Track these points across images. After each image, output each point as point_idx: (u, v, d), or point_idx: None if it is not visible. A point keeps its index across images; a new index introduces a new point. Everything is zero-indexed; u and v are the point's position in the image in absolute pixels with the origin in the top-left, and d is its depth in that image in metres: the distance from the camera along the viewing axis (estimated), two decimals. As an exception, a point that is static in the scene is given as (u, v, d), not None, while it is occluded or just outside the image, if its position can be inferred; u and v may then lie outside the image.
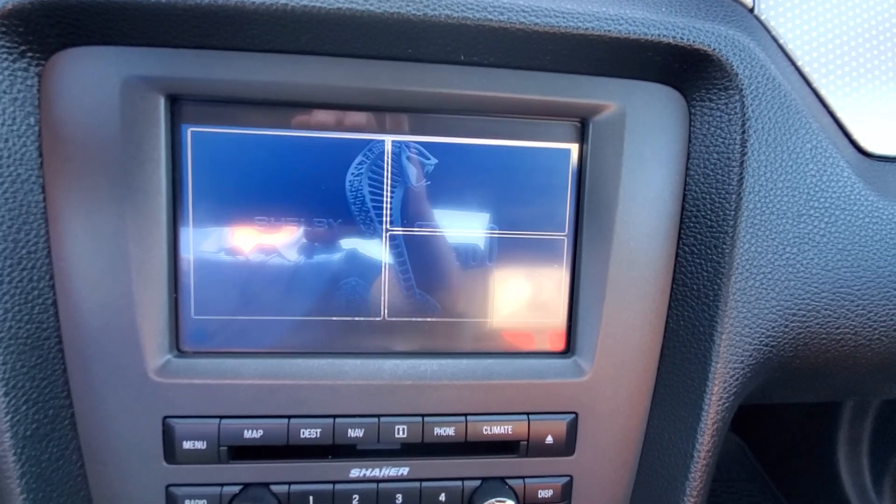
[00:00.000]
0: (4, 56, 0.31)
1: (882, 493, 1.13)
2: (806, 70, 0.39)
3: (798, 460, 1.27)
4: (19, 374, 0.33)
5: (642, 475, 0.42)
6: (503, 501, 0.39)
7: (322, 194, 0.38)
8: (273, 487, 0.38)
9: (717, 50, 0.35)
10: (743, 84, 0.35)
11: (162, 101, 0.35)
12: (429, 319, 0.40)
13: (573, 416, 0.40)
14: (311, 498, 0.38)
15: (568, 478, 0.41)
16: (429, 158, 0.38)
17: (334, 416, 0.37)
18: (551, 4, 0.34)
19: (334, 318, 0.39)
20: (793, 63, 0.39)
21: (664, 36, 0.35)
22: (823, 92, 0.39)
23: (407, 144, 0.38)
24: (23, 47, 0.32)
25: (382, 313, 0.39)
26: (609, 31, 0.34)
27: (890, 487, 1.12)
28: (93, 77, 0.33)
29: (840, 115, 0.40)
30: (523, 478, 0.40)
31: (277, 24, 0.32)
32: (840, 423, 1.14)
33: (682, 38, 0.35)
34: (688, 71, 0.36)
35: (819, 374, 0.43)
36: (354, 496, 0.39)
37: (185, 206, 0.37)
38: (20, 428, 0.33)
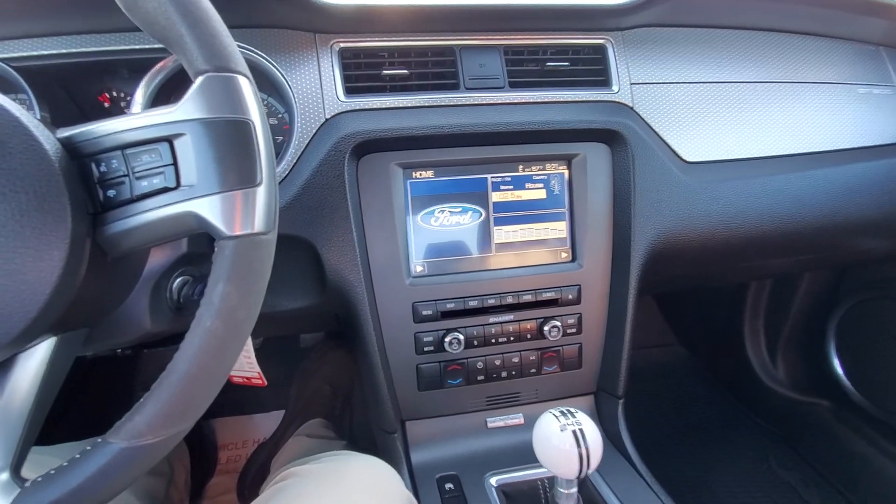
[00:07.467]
0: (352, 161, 0.80)
1: (776, 362, 1.48)
2: (656, 128, 0.92)
3: (722, 351, 1.64)
4: (363, 286, 0.81)
5: (610, 309, 0.94)
6: (554, 324, 0.90)
7: (466, 197, 0.88)
8: (459, 330, 0.88)
9: (619, 129, 0.87)
10: (630, 142, 0.87)
11: (401, 170, 0.84)
12: (514, 252, 0.91)
13: (578, 286, 0.91)
14: (474, 331, 0.88)
15: (579, 314, 0.92)
16: (507, 183, 0.89)
17: (482, 296, 0.88)
18: (545, 117, 0.85)
19: (477, 255, 0.89)
20: (650, 127, 0.92)
21: (600, 125, 0.87)
22: (664, 136, 0.93)
23: (495, 178, 0.89)
24: (356, 156, 0.81)
25: (493, 249, 0.90)
26: (576, 126, 0.86)
27: (781, 357, 1.46)
28: (378, 165, 0.82)
29: (672, 145, 0.93)
30: (561, 316, 0.92)
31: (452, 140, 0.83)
32: (745, 309, 1.47)
33: (607, 125, 0.87)
34: (609, 138, 0.89)
35: (686, 258, 0.97)
36: (492, 329, 0.89)
37: (409, 210, 0.86)
38: (370, 306, 0.82)
